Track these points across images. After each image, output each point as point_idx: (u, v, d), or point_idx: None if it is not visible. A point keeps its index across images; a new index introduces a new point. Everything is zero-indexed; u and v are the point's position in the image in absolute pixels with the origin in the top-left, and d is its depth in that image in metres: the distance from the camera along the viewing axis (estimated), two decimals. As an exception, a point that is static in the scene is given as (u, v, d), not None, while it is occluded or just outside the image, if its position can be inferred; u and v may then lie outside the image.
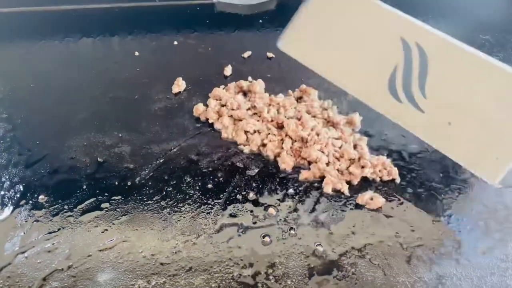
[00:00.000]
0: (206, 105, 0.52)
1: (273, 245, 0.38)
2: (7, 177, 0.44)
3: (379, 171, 0.45)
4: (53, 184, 0.43)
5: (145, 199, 0.42)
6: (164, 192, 0.43)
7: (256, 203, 0.42)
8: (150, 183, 0.44)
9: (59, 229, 0.39)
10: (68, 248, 0.38)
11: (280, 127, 0.49)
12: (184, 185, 0.44)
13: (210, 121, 0.51)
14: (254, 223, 0.40)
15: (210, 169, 0.45)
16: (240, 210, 0.41)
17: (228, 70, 0.59)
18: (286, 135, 0.48)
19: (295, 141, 0.47)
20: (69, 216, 0.40)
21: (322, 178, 0.44)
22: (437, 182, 0.45)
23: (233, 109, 0.51)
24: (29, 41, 0.64)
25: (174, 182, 0.44)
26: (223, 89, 0.54)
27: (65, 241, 0.38)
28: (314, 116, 0.50)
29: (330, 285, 0.36)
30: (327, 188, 0.43)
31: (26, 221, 0.40)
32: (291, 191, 0.43)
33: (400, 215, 0.42)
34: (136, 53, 0.62)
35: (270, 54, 0.61)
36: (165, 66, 0.60)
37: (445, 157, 0.38)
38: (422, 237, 0.40)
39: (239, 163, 0.46)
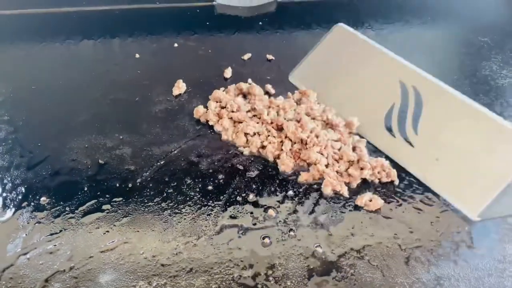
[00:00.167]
0: (206, 107, 0.53)
1: (272, 247, 0.39)
2: (9, 179, 0.44)
3: (378, 173, 0.45)
4: (54, 186, 0.44)
5: (146, 200, 0.42)
6: (165, 194, 0.43)
7: (256, 204, 0.42)
8: (151, 184, 0.44)
9: (60, 231, 0.39)
10: (70, 250, 0.38)
11: (280, 129, 0.50)
12: (185, 187, 0.44)
13: (210, 123, 0.51)
14: (254, 224, 0.41)
15: (210, 171, 0.46)
16: (240, 212, 0.42)
17: (228, 72, 0.59)
18: (286, 137, 0.48)
19: (295, 143, 0.48)
20: (71, 217, 0.41)
21: (322, 179, 0.45)
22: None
23: (233, 111, 0.51)
24: (30, 43, 0.65)
25: (175, 183, 0.44)
26: (223, 91, 0.55)
27: (67, 242, 0.39)
28: (313, 118, 0.51)
29: (329, 286, 0.36)
30: (327, 190, 0.44)
31: (28, 223, 0.40)
32: (290, 192, 0.44)
33: (398, 216, 0.42)
34: (137, 55, 0.62)
35: (270, 56, 0.62)
36: (165, 68, 0.60)
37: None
38: (420, 238, 0.40)
39: (239, 165, 0.46)
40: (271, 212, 0.42)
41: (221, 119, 0.51)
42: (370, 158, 0.46)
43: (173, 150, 0.48)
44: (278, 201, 0.43)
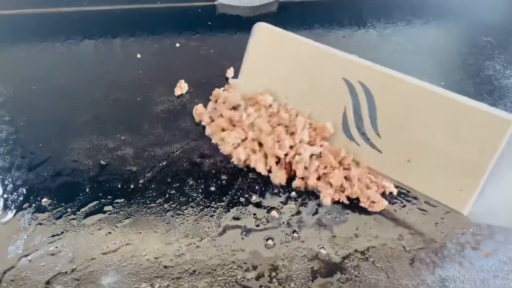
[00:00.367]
0: (206, 107, 0.52)
1: (276, 248, 0.38)
2: (10, 180, 0.44)
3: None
4: (56, 187, 0.43)
5: (148, 202, 0.42)
6: (167, 195, 0.43)
7: (259, 205, 0.42)
8: (153, 185, 0.44)
9: (62, 232, 0.39)
10: (72, 251, 0.38)
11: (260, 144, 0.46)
12: (187, 188, 0.44)
13: (202, 123, 0.50)
14: (257, 226, 0.40)
15: (213, 171, 0.45)
16: (243, 213, 0.41)
17: (230, 72, 0.59)
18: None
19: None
20: (73, 219, 0.40)
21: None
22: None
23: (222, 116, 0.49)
24: (31, 43, 0.64)
25: (177, 184, 0.44)
26: (224, 90, 0.54)
27: (69, 244, 0.38)
28: (292, 133, 0.45)
29: (333, 288, 0.36)
30: (326, 201, 0.42)
31: (29, 224, 0.40)
32: (293, 194, 0.43)
33: (403, 217, 0.42)
34: (138, 55, 0.62)
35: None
36: (167, 68, 0.60)
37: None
38: (425, 240, 0.40)
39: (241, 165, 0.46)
40: (274, 213, 0.41)
41: (211, 123, 0.49)
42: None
43: (175, 150, 0.48)
44: (281, 202, 0.42)
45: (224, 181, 0.44)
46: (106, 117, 0.52)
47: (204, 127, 0.50)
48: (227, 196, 0.43)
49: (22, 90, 0.56)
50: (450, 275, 0.37)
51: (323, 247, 0.39)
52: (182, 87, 0.56)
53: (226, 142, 0.47)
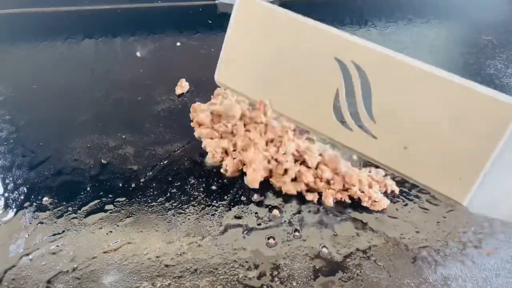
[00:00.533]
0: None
1: (278, 247, 0.38)
2: (11, 179, 0.44)
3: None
4: (57, 186, 0.43)
5: (149, 200, 0.42)
6: (168, 194, 0.43)
7: (260, 204, 0.42)
8: (154, 184, 0.44)
9: (63, 231, 0.39)
10: (73, 250, 0.37)
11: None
12: (188, 187, 0.43)
13: (191, 125, 0.50)
14: (259, 224, 0.40)
15: (214, 170, 0.45)
16: (245, 212, 0.41)
17: (231, 71, 0.58)
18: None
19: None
20: (74, 218, 0.40)
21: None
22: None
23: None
24: (31, 43, 0.64)
25: (178, 183, 0.44)
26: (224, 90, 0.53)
27: (70, 243, 0.38)
28: (271, 141, 0.45)
29: (335, 287, 0.36)
30: (328, 202, 0.42)
31: (30, 223, 0.40)
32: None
33: (404, 216, 0.41)
34: (139, 54, 0.62)
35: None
36: (168, 67, 0.60)
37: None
38: (427, 238, 0.39)
39: (243, 164, 0.46)
40: (275, 212, 0.41)
41: (199, 127, 0.49)
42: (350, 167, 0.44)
43: (176, 149, 0.48)
44: (283, 201, 0.42)
45: (225, 180, 0.44)
46: (106, 116, 0.52)
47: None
48: (229, 195, 0.43)
49: (22, 89, 0.56)
50: (452, 274, 0.37)
51: (325, 246, 0.39)
52: (183, 86, 0.56)
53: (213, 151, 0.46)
